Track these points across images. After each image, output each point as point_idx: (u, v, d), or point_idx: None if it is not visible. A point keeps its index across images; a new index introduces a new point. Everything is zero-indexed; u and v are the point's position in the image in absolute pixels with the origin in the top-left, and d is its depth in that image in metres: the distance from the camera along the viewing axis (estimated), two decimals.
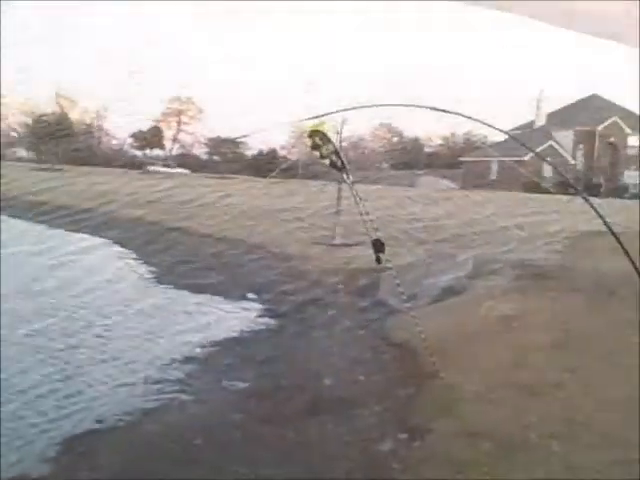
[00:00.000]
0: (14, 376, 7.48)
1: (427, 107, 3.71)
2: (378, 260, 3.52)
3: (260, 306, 11.75)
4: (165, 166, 72.58)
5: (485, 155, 60.94)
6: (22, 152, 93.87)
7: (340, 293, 12.71)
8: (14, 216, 26.96)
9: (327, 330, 10.08)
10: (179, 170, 69.35)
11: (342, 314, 11.08)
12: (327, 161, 3.44)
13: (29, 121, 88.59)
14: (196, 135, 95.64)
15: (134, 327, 10.09)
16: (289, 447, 5.79)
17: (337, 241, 16.71)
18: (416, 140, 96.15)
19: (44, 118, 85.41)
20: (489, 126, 4.10)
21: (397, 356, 8.57)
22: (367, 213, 3.47)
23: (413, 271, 11.62)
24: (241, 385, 7.44)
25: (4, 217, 27.08)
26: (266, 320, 10.78)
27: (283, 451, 5.70)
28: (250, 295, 12.53)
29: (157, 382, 7.47)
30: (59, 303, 11.50)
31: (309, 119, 3.48)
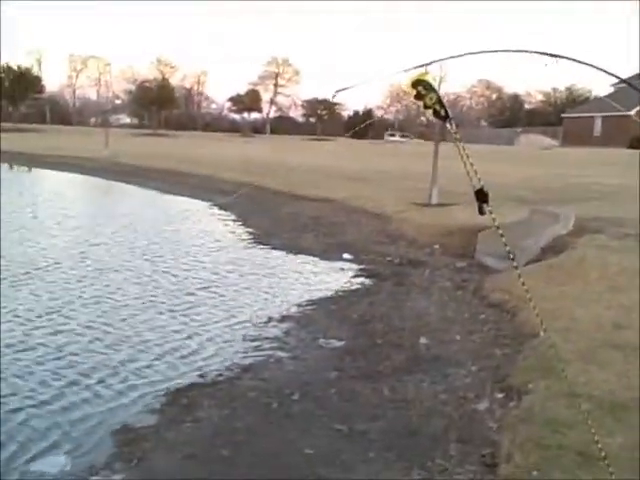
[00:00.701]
0: (132, 331, 7.85)
1: (536, 52, 3.52)
2: (480, 210, 3.39)
3: (356, 266, 11.80)
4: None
5: (588, 111, 58.66)
6: (126, 119, 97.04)
7: (437, 253, 12.63)
8: (121, 180, 28.02)
9: (423, 290, 10.05)
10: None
11: (439, 274, 11.02)
12: (430, 111, 3.36)
13: (132, 88, 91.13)
14: (293, 97, 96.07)
15: (234, 287, 10.34)
16: (384, 404, 5.84)
17: (434, 201, 16.55)
18: (516, 96, 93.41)
19: (146, 84, 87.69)
20: (603, 71, 3.86)
21: (494, 316, 8.47)
22: (472, 164, 3.37)
23: (513, 230, 11.39)
24: (337, 343, 7.52)
25: (113, 182, 28.19)
26: (362, 280, 10.83)
27: (378, 408, 5.75)
28: (346, 255, 12.59)
29: (255, 339, 7.65)
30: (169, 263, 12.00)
31: (408, 70, 3.40)
